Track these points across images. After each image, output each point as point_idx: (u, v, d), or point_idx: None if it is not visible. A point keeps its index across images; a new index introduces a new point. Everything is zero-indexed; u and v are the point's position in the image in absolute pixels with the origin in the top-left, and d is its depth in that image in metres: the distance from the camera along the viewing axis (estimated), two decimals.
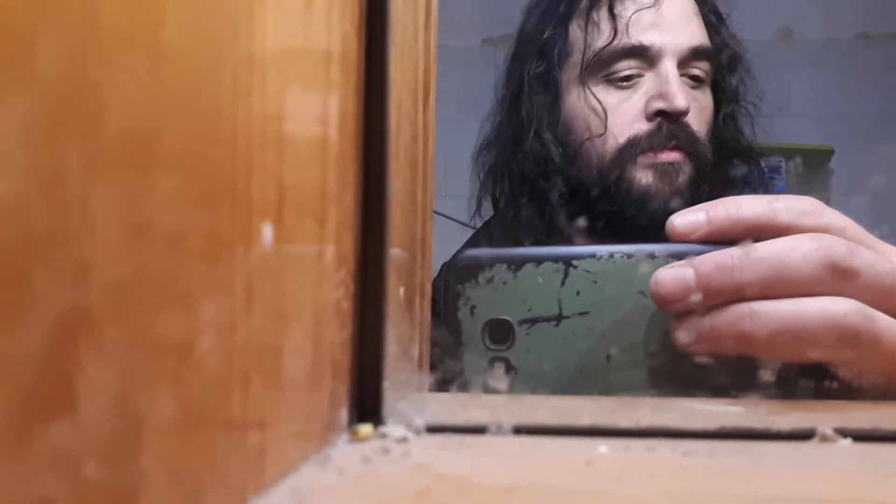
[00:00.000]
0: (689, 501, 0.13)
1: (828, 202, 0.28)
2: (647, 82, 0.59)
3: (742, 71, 0.64)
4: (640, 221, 0.56)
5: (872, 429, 0.19)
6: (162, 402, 0.10)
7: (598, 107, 0.58)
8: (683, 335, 0.26)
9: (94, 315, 0.08)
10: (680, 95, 0.57)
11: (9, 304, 0.07)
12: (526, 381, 0.30)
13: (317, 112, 0.17)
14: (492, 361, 0.30)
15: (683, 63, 0.59)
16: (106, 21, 0.08)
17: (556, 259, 0.30)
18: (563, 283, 0.29)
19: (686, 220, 0.28)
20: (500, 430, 0.19)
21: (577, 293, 0.29)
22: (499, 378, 0.30)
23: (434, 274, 0.32)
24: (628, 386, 0.29)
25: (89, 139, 0.08)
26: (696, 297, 0.26)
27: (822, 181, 1.54)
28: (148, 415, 0.09)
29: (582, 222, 0.57)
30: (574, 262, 0.29)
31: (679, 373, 0.28)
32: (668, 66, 0.58)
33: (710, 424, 0.19)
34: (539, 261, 0.30)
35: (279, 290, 0.14)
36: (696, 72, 0.60)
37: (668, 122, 0.57)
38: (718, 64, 0.62)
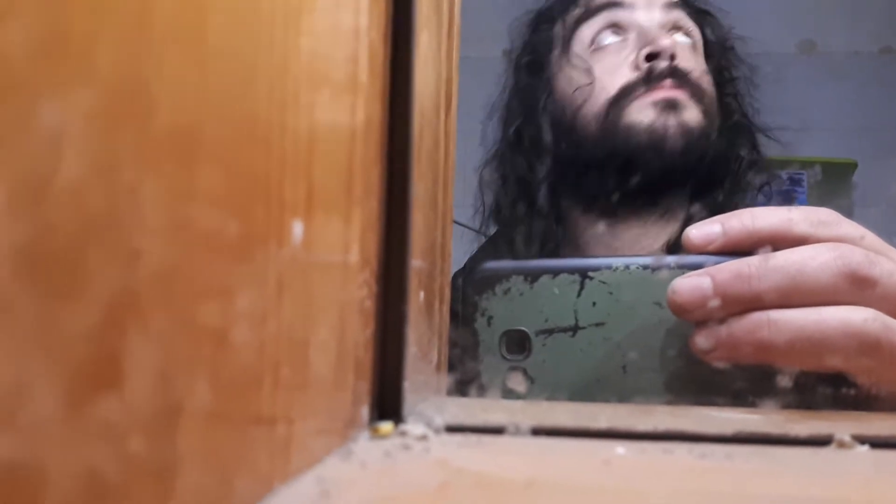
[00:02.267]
0: (705, 500, 0.13)
1: (850, 215, 0.28)
2: (631, 40, 0.56)
3: (735, 59, 0.61)
4: (653, 170, 0.51)
5: (891, 436, 0.19)
6: (199, 387, 0.10)
7: (585, 68, 0.56)
8: (702, 343, 0.26)
9: (142, 299, 0.09)
10: (665, 38, 0.54)
11: (68, 283, 0.07)
12: (543, 390, 0.30)
13: (344, 117, 0.18)
14: (509, 371, 0.31)
15: (663, 20, 0.57)
16: (157, 23, 0.09)
17: (572, 271, 0.30)
18: (579, 295, 0.30)
19: (702, 231, 0.28)
20: (518, 431, 0.19)
21: (594, 304, 0.30)
22: (517, 382, 0.30)
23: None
24: (645, 396, 0.29)
25: (141, 133, 0.08)
26: (714, 304, 0.26)
27: (845, 194, 1.52)
28: (186, 398, 0.10)
29: (596, 202, 0.54)
30: (590, 274, 0.30)
31: (696, 383, 0.28)
32: (646, 17, 0.56)
33: (727, 429, 0.19)
34: (555, 272, 0.30)
35: (307, 287, 0.15)
36: (679, 30, 0.57)
37: (659, 64, 0.54)
38: (708, 42, 0.59)
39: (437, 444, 0.18)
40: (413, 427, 0.20)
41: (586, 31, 0.58)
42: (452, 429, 0.20)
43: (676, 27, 0.58)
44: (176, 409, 0.09)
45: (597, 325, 0.30)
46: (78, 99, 0.07)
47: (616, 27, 0.57)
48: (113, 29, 0.08)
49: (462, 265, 0.51)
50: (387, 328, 0.21)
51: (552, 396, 0.30)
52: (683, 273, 0.28)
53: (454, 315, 0.31)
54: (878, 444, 0.18)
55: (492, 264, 0.32)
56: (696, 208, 0.53)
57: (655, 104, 0.52)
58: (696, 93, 0.54)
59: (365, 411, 0.20)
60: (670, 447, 0.18)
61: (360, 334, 0.19)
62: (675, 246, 0.50)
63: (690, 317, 0.27)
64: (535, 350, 0.30)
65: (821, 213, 0.27)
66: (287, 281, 0.13)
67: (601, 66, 0.56)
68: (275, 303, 0.13)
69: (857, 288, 0.25)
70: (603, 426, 0.20)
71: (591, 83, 0.55)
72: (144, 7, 0.08)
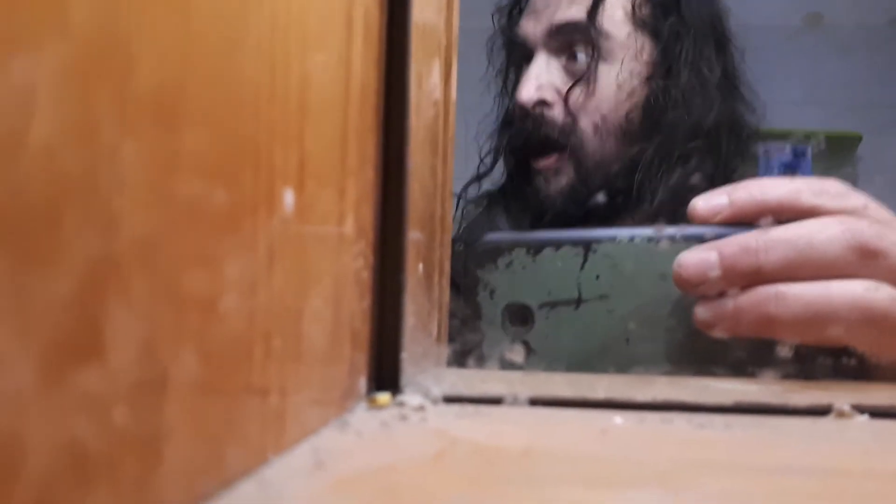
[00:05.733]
0: (704, 469, 0.13)
1: (855, 188, 0.28)
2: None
3: (695, 44, 0.53)
4: (563, 223, 0.49)
5: (890, 406, 0.19)
6: (186, 356, 0.10)
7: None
8: (706, 316, 0.26)
9: (122, 266, 0.08)
10: (527, 84, 0.50)
11: (42, 248, 0.07)
12: (545, 363, 0.30)
13: (338, 83, 0.17)
14: (511, 344, 0.30)
15: (555, 49, 0.52)
16: None
17: (575, 243, 0.30)
18: (582, 267, 0.29)
19: (708, 202, 0.27)
20: (516, 401, 0.19)
21: (597, 277, 0.29)
22: (517, 353, 0.30)
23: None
24: (647, 368, 0.29)
25: (120, 91, 0.08)
26: (720, 279, 0.26)
27: (849, 167, 1.51)
28: (173, 367, 0.09)
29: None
30: (594, 246, 0.29)
31: (698, 355, 0.28)
32: (536, 57, 0.52)
33: (727, 399, 0.19)
34: (558, 245, 0.30)
35: (300, 256, 0.14)
36: (573, 64, 0.51)
37: (528, 120, 0.50)
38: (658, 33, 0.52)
39: (435, 415, 0.17)
40: (410, 398, 0.20)
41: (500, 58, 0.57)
42: (450, 399, 0.20)
43: (573, 74, 0.51)
44: (161, 378, 0.09)
45: (600, 297, 0.29)
46: (50, 53, 0.07)
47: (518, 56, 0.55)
48: None
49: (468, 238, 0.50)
50: (384, 299, 0.21)
51: (554, 369, 0.30)
52: (688, 245, 0.27)
53: (456, 287, 0.31)
54: (877, 413, 0.18)
55: (494, 236, 0.31)
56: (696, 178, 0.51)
57: (539, 173, 0.50)
58: (575, 151, 0.50)
59: (362, 382, 0.20)
60: (669, 417, 0.18)
61: (357, 305, 0.19)
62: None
63: (696, 291, 0.26)
64: (537, 323, 0.30)
65: (828, 184, 0.27)
66: (278, 250, 0.13)
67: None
68: (265, 272, 0.12)
69: (865, 261, 0.25)
70: (601, 396, 0.20)
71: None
72: None
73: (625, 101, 0.51)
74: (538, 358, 0.30)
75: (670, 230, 0.29)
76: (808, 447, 0.14)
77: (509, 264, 0.30)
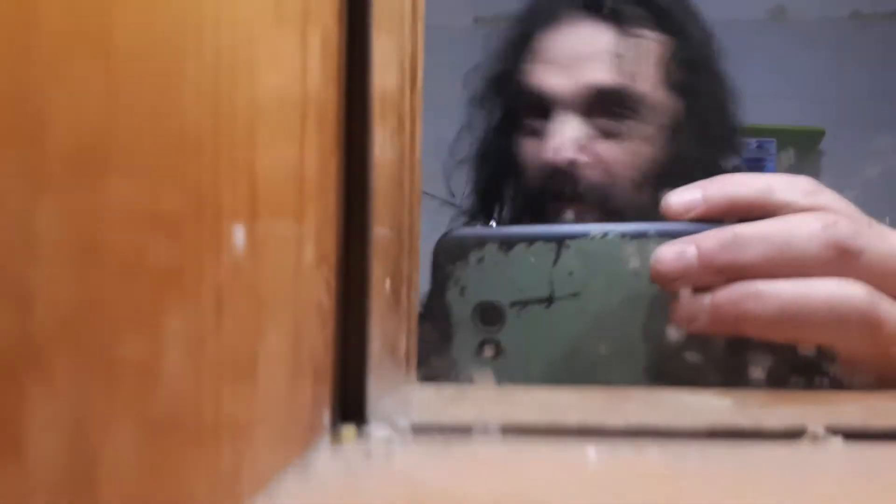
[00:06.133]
0: None
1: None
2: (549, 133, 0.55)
3: (711, 74, 0.58)
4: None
5: (863, 427, 0.19)
6: (121, 435, 0.09)
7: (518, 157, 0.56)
8: (683, 312, 0.26)
9: (42, 346, 0.07)
10: (559, 142, 0.52)
11: None
12: (516, 364, 0.29)
13: (293, 102, 0.16)
14: (482, 344, 0.29)
15: (585, 108, 0.54)
16: (45, 25, 0.07)
17: (548, 238, 0.29)
18: (555, 264, 0.29)
19: (682, 198, 0.27)
20: (486, 430, 0.19)
21: (570, 273, 0.29)
22: (488, 355, 0.29)
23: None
24: (620, 369, 0.28)
25: (31, 149, 0.07)
26: (696, 273, 0.25)
27: (813, 163, 1.54)
28: (105, 449, 0.09)
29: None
30: (567, 242, 0.29)
31: (672, 355, 0.27)
32: (561, 113, 0.53)
33: (700, 423, 0.19)
34: (531, 240, 0.29)
35: (253, 296, 0.13)
36: (604, 122, 0.54)
37: (559, 176, 0.53)
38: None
39: (402, 453, 0.17)
40: (376, 429, 0.19)
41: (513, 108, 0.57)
42: (418, 429, 0.19)
43: (602, 131, 0.54)
44: (92, 461, 0.08)
45: (572, 295, 0.29)
46: None
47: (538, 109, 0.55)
48: None
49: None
50: (348, 325, 0.20)
51: (527, 369, 0.29)
52: (662, 241, 0.27)
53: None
54: (850, 435, 0.18)
55: (465, 231, 0.30)
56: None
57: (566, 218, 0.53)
58: (603, 202, 0.53)
59: (326, 415, 0.19)
60: (643, 445, 0.17)
61: (318, 336, 0.18)
62: None
63: (674, 286, 0.26)
64: (509, 322, 0.29)
65: (801, 181, 0.27)
66: (228, 295, 0.12)
67: (526, 155, 0.55)
68: (213, 322, 0.11)
69: (843, 259, 0.25)
70: (573, 422, 0.19)
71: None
72: (27, 2, 0.07)
73: (652, 152, 0.54)
74: (509, 358, 0.29)
75: (645, 226, 0.28)
76: (784, 485, 0.14)
77: (481, 260, 0.29)
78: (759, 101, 0.65)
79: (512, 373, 0.29)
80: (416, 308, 0.31)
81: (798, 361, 0.25)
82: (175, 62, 0.10)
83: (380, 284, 0.23)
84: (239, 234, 0.12)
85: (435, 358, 0.31)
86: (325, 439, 0.18)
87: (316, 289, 0.18)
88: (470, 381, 0.29)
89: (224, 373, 0.12)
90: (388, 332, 0.25)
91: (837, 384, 0.26)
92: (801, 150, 1.44)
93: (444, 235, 0.31)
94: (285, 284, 0.15)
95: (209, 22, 0.11)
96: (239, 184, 0.13)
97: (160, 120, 0.10)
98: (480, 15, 1.55)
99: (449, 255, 0.30)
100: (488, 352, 0.30)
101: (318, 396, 0.18)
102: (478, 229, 0.34)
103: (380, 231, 0.23)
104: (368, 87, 0.20)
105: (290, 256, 0.16)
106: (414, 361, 0.30)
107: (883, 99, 1.61)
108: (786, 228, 0.25)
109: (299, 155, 0.17)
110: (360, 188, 0.21)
